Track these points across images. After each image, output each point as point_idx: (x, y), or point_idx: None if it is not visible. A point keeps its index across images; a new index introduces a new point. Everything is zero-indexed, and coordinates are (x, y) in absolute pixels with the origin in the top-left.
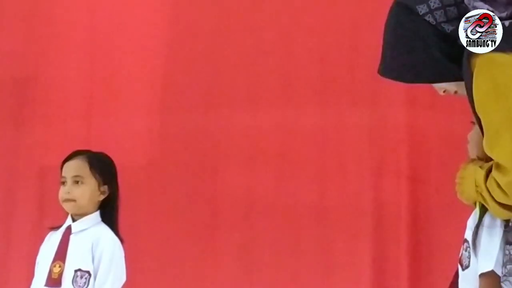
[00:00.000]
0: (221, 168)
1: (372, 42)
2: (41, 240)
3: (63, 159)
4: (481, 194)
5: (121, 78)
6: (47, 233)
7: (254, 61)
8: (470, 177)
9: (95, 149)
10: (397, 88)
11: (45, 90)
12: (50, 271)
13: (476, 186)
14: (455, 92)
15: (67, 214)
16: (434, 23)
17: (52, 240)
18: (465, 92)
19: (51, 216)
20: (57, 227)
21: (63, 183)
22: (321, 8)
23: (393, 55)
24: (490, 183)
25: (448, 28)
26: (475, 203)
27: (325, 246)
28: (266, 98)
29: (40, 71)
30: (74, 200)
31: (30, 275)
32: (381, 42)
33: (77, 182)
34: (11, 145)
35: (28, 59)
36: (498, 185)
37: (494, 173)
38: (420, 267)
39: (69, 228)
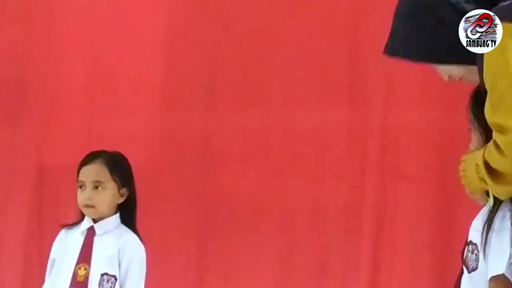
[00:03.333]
0: (221, 168)
1: (371, 43)
2: (39, 239)
3: (63, 157)
4: (483, 179)
5: (121, 77)
6: (45, 232)
7: (255, 61)
8: (471, 164)
9: (95, 149)
10: (392, 89)
11: (45, 90)
12: (75, 274)
13: (477, 168)
14: (460, 79)
15: (79, 214)
16: (454, 1)
17: (71, 240)
18: (472, 78)
19: (49, 216)
20: (70, 225)
21: (81, 187)
22: (322, 8)
23: (405, 32)
24: (489, 150)
25: (468, 7)
26: (484, 199)
27: (322, 245)
28: (267, 98)
29: (40, 71)
30: (94, 206)
31: (26, 274)
32: (380, 43)
33: (97, 187)
34: (11, 145)
35: (28, 59)
36: (497, 147)
37: (494, 135)
38: (413, 265)
39: (91, 230)
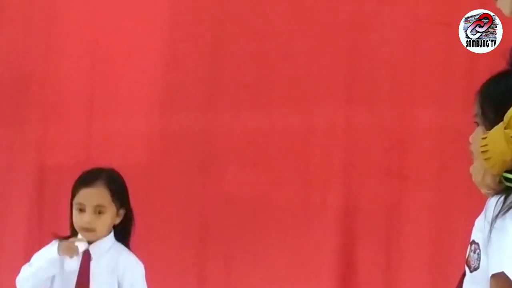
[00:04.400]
0: (221, 168)
1: (372, 44)
2: (39, 240)
3: (63, 157)
4: (511, 138)
5: (121, 77)
6: (45, 233)
7: (256, 61)
8: (498, 130)
9: (95, 149)
10: (394, 90)
11: (45, 90)
12: None
13: (506, 127)
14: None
15: (70, 229)
16: None
17: (65, 264)
18: (501, 5)
19: (49, 216)
20: (63, 238)
21: (81, 210)
22: (323, 8)
23: None
24: None
25: None
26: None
27: (325, 246)
28: (268, 98)
29: (40, 71)
30: (94, 231)
31: None
32: (381, 43)
33: (99, 211)
34: (11, 145)
35: (28, 59)
36: None
37: None
38: (410, 264)
39: (87, 253)
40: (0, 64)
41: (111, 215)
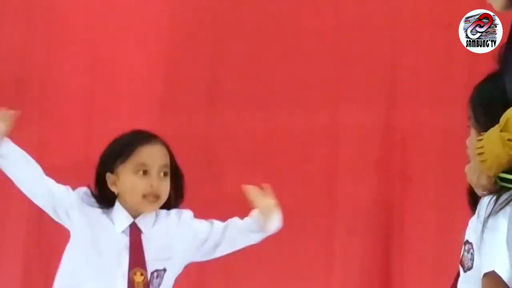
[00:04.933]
0: (222, 169)
1: (374, 43)
2: (39, 241)
3: (63, 158)
4: (507, 141)
5: (122, 78)
6: (45, 234)
7: (257, 61)
8: (494, 132)
9: (95, 149)
10: (396, 89)
11: (45, 90)
12: (131, 281)
13: (502, 130)
14: None
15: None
16: None
17: (109, 234)
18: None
19: (49, 217)
20: (92, 195)
21: (144, 172)
22: (325, 8)
23: None
24: None
25: None
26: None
27: (327, 247)
28: (269, 98)
29: (40, 71)
30: (160, 197)
31: (26, 276)
32: (382, 43)
33: (165, 173)
34: None
35: (28, 59)
36: None
37: None
38: (412, 265)
39: (135, 228)
40: (0, 64)
41: (169, 179)
